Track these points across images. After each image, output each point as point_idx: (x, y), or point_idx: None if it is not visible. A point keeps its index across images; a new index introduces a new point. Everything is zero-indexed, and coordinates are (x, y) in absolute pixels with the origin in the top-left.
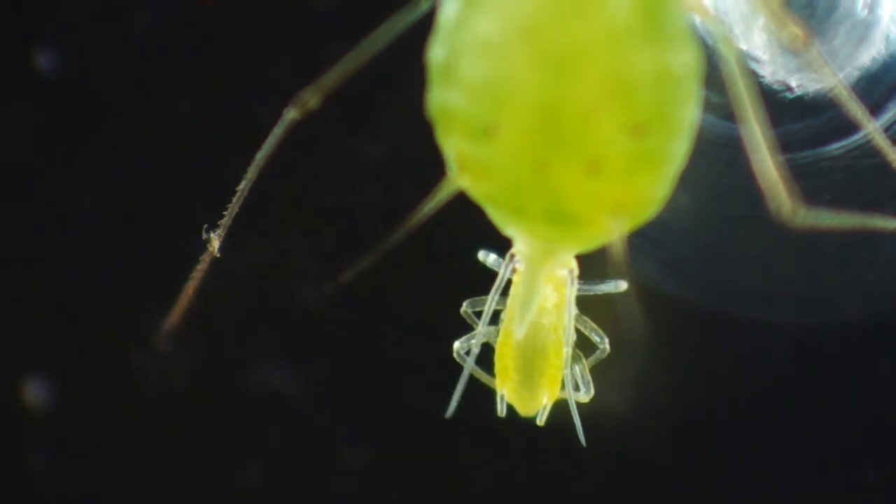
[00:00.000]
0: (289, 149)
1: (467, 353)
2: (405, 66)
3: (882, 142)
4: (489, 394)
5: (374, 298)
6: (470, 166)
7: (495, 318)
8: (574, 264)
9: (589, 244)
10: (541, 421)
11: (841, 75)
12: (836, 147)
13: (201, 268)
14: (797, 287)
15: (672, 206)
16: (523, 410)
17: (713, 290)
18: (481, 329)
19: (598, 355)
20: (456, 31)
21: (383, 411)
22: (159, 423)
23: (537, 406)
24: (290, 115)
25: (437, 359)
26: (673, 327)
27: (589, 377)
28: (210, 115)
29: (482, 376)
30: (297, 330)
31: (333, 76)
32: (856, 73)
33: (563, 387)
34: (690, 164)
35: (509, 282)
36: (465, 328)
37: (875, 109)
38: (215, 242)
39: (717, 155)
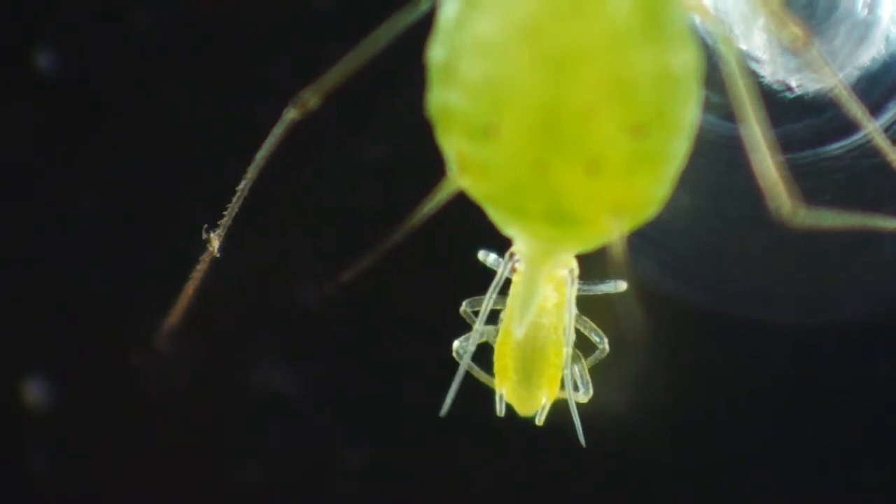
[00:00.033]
0: (289, 149)
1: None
2: (405, 66)
3: (882, 142)
4: (488, 393)
5: (374, 298)
6: (470, 166)
7: (495, 318)
8: (574, 264)
9: (589, 244)
10: (540, 421)
11: (841, 75)
12: (836, 147)
13: (201, 268)
14: (797, 287)
15: (672, 206)
16: (522, 410)
17: (713, 290)
18: (478, 328)
19: (597, 355)
20: (456, 31)
21: (383, 411)
22: (159, 423)
23: (536, 406)
24: (290, 115)
25: (437, 359)
26: (673, 327)
27: (588, 377)
28: (210, 115)
29: (481, 376)
30: (297, 330)
31: (333, 76)
32: (856, 73)
33: (562, 387)
34: (690, 164)
35: (508, 281)
36: (465, 328)
37: (875, 109)
38: (215, 242)
39: (717, 155)
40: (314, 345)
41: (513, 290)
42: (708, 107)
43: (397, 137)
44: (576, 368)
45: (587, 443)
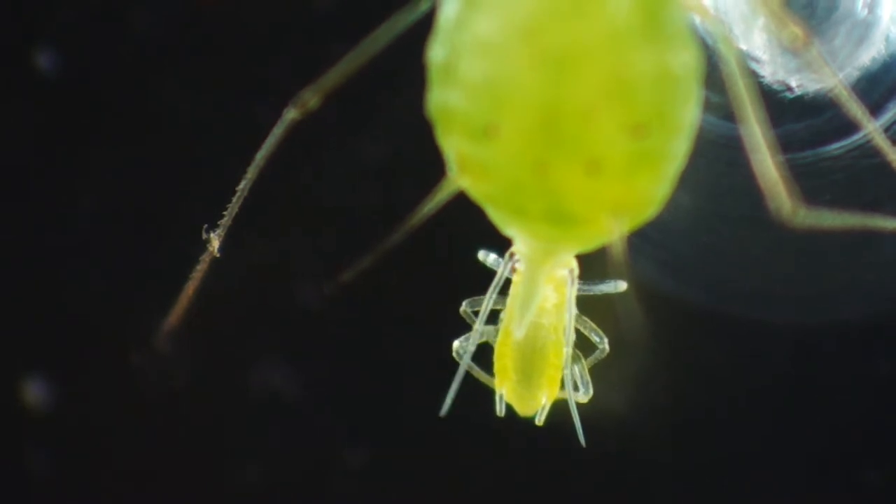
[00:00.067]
0: (289, 149)
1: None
2: (405, 66)
3: (882, 142)
4: (488, 393)
5: (374, 298)
6: (470, 166)
7: (495, 318)
8: (574, 264)
9: (589, 244)
10: (540, 421)
11: (841, 75)
12: (836, 147)
13: (201, 268)
14: (797, 287)
15: (672, 206)
16: (522, 410)
17: (713, 290)
18: (478, 328)
19: (597, 355)
20: (456, 31)
21: (383, 411)
22: (159, 423)
23: (536, 406)
24: (290, 115)
25: (437, 359)
26: (673, 327)
27: (588, 377)
28: (210, 115)
29: (481, 376)
30: (297, 330)
31: (333, 76)
32: (856, 73)
33: (562, 387)
34: (690, 164)
35: (508, 281)
36: (465, 328)
37: (875, 109)
38: (215, 242)
39: (717, 155)
40: (314, 345)
41: (513, 290)
42: (708, 107)
43: (397, 137)
44: (576, 368)
45: (587, 443)
